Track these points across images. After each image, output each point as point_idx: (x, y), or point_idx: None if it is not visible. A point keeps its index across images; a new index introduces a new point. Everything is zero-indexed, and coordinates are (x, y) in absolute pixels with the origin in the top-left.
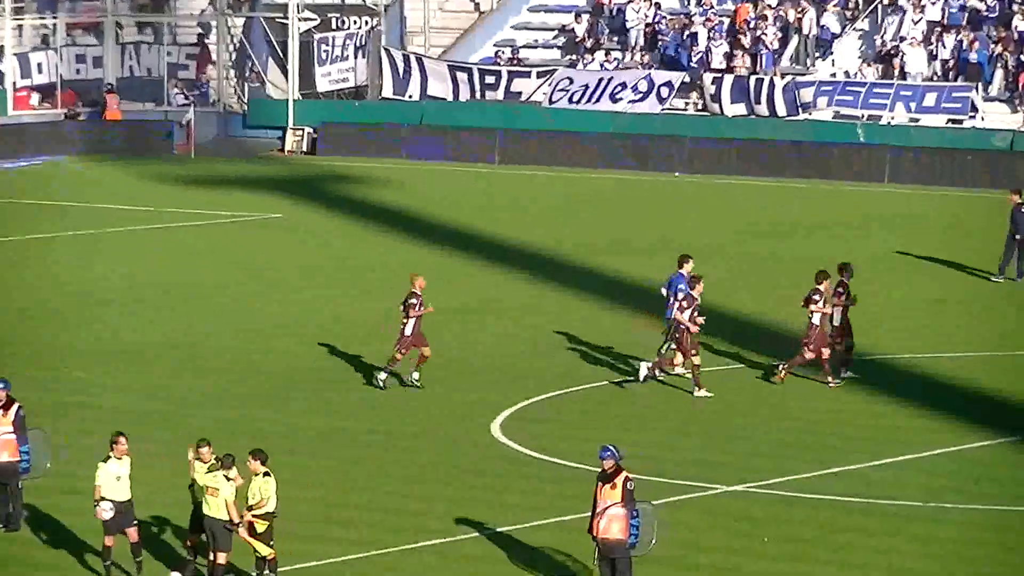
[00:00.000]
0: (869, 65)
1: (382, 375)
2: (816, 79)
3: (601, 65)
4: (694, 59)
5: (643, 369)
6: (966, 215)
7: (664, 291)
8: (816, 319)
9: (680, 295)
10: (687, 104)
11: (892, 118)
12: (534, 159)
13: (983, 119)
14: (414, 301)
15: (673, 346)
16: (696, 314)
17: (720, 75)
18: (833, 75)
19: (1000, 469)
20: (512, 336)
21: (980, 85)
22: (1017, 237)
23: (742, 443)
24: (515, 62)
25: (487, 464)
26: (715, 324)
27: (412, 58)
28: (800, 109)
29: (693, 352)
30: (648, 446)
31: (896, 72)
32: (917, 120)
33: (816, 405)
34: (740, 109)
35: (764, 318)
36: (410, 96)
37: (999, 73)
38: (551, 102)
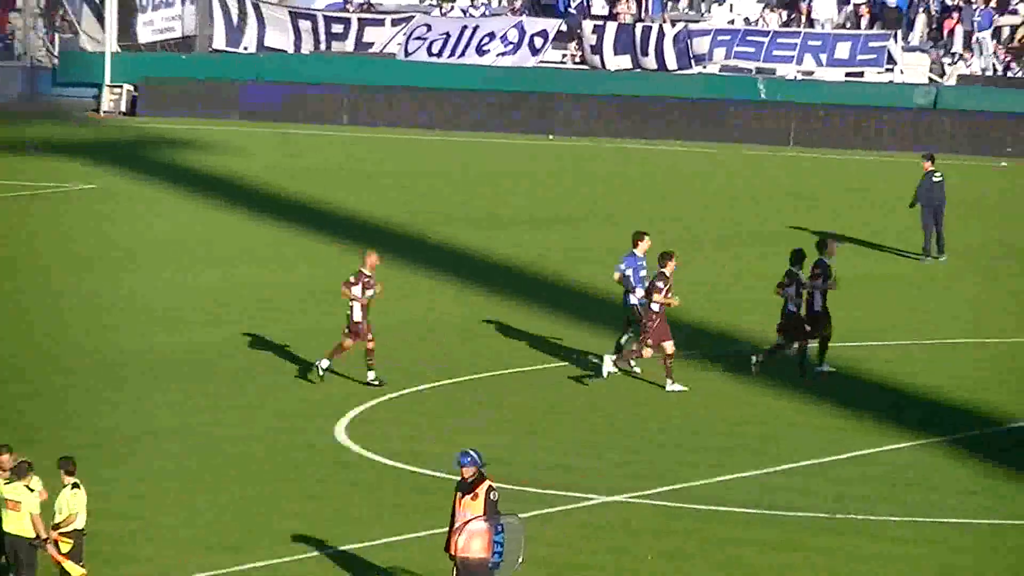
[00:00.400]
0: (772, 11)
1: (324, 363)
2: (711, 27)
3: (465, 11)
4: (572, 5)
5: (607, 364)
6: (883, 183)
7: (618, 275)
8: (791, 306)
9: (636, 276)
10: (564, 56)
11: (799, 72)
12: (389, 119)
13: (902, 72)
14: (354, 280)
15: (636, 336)
16: (671, 294)
17: (602, 23)
18: (731, 22)
19: (922, 474)
20: (369, 323)
21: (899, 33)
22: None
23: (625, 446)
24: (366, 8)
25: (330, 472)
26: (595, 310)
27: (248, 4)
28: (693, 62)
29: (665, 339)
30: (516, 450)
31: (803, 18)
32: (826, 74)
33: (712, 402)
34: (624, 62)
35: None
36: (245, 48)
37: (921, 19)
38: (408, 54)
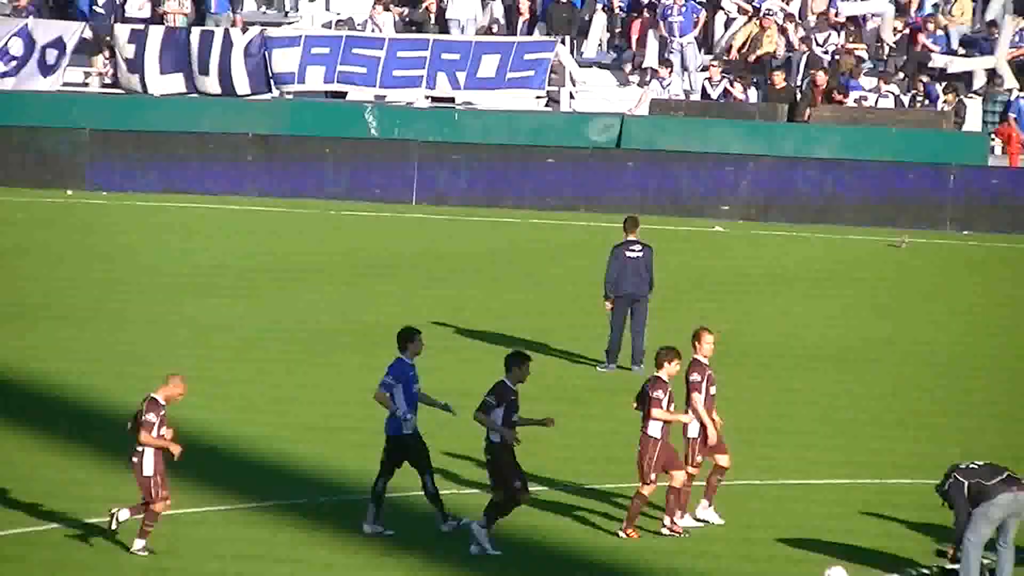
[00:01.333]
0: (387, 9)
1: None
2: (300, 33)
3: None
4: (100, 2)
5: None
6: (544, 258)
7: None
8: (656, 430)
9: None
10: (88, 77)
11: (428, 97)
12: None
13: (574, 96)
14: (152, 418)
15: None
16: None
17: (143, 27)
18: (328, 25)
19: None
20: None
21: (570, 40)
22: (612, 301)
23: None
24: None
25: None
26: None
27: None
28: (273, 83)
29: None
30: None
31: (432, 19)
32: (470, 101)
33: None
34: (175, 83)
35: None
36: None
37: (599, 20)
38: None
